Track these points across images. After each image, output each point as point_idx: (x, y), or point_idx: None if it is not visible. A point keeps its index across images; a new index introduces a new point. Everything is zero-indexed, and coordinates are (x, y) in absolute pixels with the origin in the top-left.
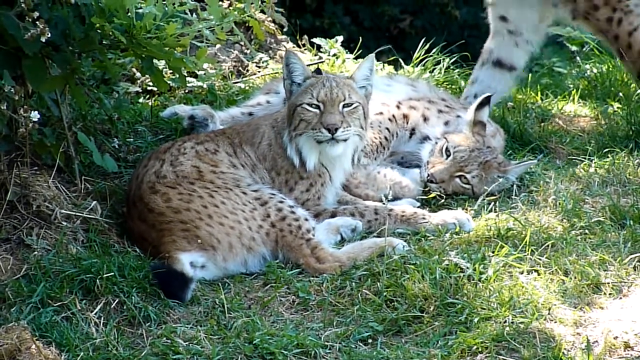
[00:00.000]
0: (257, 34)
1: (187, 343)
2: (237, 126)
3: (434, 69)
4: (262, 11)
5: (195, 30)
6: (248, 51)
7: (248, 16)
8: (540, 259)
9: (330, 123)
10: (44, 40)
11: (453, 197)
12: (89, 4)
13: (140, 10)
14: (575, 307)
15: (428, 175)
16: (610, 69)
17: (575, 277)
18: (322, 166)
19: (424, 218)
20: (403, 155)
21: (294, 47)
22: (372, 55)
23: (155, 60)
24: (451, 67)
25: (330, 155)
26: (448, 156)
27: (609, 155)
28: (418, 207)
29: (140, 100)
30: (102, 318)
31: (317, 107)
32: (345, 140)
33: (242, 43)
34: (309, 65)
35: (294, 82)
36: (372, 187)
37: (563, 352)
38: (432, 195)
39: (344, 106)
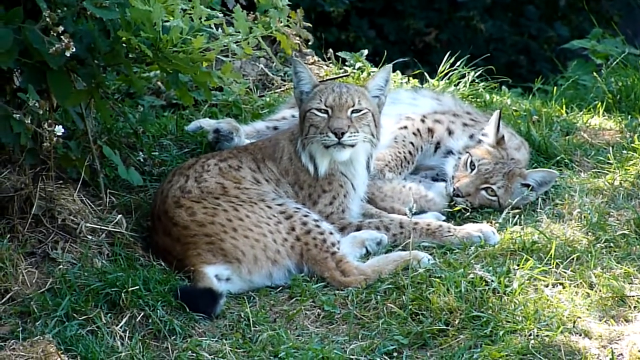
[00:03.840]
0: (285, 48)
1: (212, 356)
2: (258, 142)
3: (459, 83)
4: (288, 25)
5: (221, 44)
6: (274, 64)
7: (275, 30)
8: (565, 272)
9: (336, 127)
10: (68, 55)
11: (478, 211)
12: (115, 18)
13: (166, 24)
14: (600, 320)
15: (454, 189)
16: (635, 82)
17: (600, 290)
18: (343, 175)
19: (449, 231)
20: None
21: (319, 60)
22: (389, 66)
23: (180, 74)
24: (476, 81)
25: (338, 160)
26: (473, 169)
27: (634, 169)
28: (443, 220)
29: (165, 113)
30: (128, 332)
31: (326, 112)
32: (352, 145)
33: (267, 57)
34: (334, 79)
35: (303, 90)
36: (398, 201)
37: None
38: (457, 208)
39: (352, 112)
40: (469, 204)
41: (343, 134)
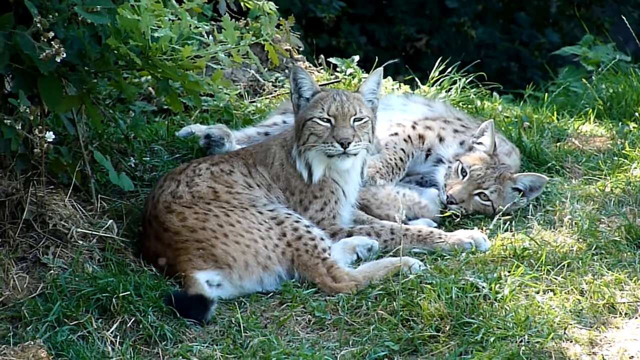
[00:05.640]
0: (272, 59)
1: None
2: (250, 147)
3: (450, 89)
4: (277, 34)
5: (211, 52)
6: (265, 71)
7: (264, 40)
8: (556, 279)
9: (343, 137)
10: (59, 60)
11: (469, 217)
12: (106, 24)
13: (155, 34)
14: (591, 327)
15: (448, 196)
16: (626, 89)
17: (591, 297)
18: (334, 182)
19: (440, 238)
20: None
21: (310, 66)
22: (380, 69)
23: (171, 81)
24: (467, 87)
25: (340, 169)
26: (464, 176)
27: (625, 175)
28: (435, 227)
29: (157, 119)
30: (118, 337)
31: (328, 120)
32: (355, 154)
33: (258, 65)
34: (324, 85)
35: (302, 97)
36: (393, 208)
37: None
38: (448, 214)
39: (354, 120)
40: (463, 210)
41: (349, 143)
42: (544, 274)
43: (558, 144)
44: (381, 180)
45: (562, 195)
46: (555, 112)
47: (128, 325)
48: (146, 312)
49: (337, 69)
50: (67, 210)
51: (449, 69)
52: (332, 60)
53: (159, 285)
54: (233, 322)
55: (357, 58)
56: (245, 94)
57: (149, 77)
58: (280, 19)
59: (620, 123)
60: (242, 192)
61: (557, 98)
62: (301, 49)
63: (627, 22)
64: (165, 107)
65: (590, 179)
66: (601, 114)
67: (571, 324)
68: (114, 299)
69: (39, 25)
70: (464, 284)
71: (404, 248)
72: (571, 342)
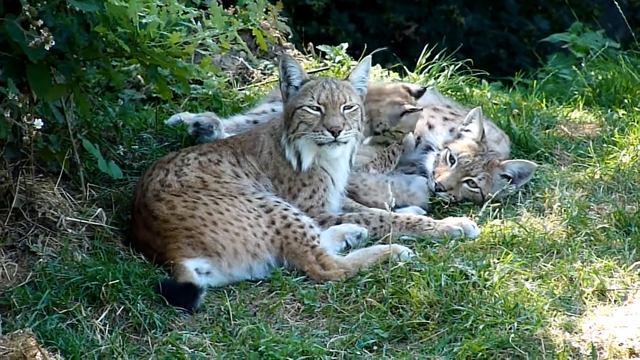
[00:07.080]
0: (261, 44)
1: (192, 350)
2: (238, 136)
3: (438, 76)
4: (265, 19)
5: (199, 38)
6: (254, 57)
7: (252, 25)
8: (545, 266)
9: (333, 125)
10: (48, 49)
11: (458, 204)
12: (94, 11)
13: (144, 20)
14: (581, 314)
15: (436, 184)
16: (615, 76)
17: (580, 284)
18: (323, 170)
19: (429, 225)
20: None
21: (299, 54)
22: (369, 57)
23: (159, 68)
24: (456, 74)
25: (331, 157)
26: (453, 163)
27: (614, 162)
28: (424, 214)
29: (145, 107)
30: (108, 325)
31: (318, 109)
32: (346, 142)
33: (246, 50)
34: (313, 73)
35: (291, 85)
36: (381, 195)
37: (568, 359)
38: (436, 200)
39: (344, 108)
40: (452, 197)
41: (340, 132)
42: (533, 261)
43: (547, 131)
44: (374, 170)
45: (551, 182)
46: (544, 99)
47: (117, 313)
48: (135, 300)
49: (326, 57)
50: (56, 198)
51: (437, 56)
52: (321, 48)
53: (148, 273)
54: (222, 310)
55: (346, 46)
56: (234, 81)
57: (138, 65)
58: (268, 4)
59: (609, 110)
60: (230, 181)
61: (546, 85)
62: (290, 37)
63: (619, 7)
64: (154, 95)
65: (580, 165)
66: (590, 101)
67: (560, 311)
68: (103, 287)
69: (27, 13)
70: (453, 272)
71: (393, 235)
72: (560, 329)
